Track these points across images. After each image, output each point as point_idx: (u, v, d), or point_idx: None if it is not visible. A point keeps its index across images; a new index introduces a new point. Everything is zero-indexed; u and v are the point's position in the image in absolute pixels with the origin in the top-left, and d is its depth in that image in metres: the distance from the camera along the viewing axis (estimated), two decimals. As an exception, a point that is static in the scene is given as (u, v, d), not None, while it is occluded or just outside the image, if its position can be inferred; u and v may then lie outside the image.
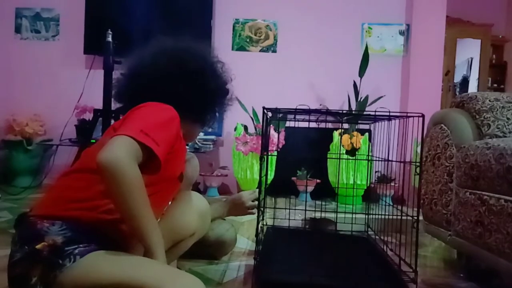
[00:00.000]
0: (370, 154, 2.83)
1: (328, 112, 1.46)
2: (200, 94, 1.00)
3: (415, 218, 1.17)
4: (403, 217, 1.31)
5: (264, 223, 1.83)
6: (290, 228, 1.85)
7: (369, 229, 1.82)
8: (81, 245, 0.75)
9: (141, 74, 0.96)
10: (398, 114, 1.30)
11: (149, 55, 0.98)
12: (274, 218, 1.80)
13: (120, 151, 0.72)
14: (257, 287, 1.19)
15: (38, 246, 0.73)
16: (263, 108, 1.34)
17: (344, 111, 1.40)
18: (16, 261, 0.75)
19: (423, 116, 1.17)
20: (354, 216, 1.81)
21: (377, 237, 1.70)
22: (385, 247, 1.51)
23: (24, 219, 0.80)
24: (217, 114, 1.11)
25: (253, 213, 1.39)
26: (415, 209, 1.22)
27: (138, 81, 0.95)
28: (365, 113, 1.42)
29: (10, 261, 0.77)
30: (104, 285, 0.72)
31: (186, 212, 0.99)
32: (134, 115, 0.82)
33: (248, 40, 3.34)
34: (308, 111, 1.39)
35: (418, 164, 1.19)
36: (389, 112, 1.31)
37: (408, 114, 1.31)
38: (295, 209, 1.87)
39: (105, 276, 0.73)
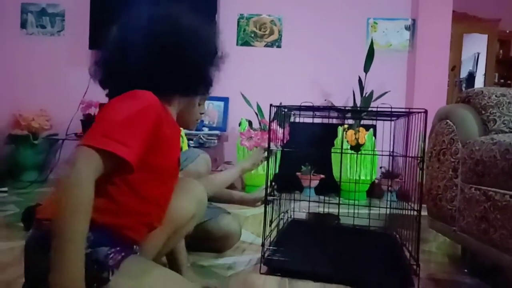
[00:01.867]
0: (374, 149, 2.82)
1: (331, 108, 1.46)
2: (180, 66, 0.88)
3: (417, 212, 1.17)
4: (407, 212, 1.31)
5: (290, 216, 1.86)
6: (303, 220, 1.89)
7: (378, 224, 1.82)
8: (108, 251, 0.75)
9: (114, 53, 0.88)
10: (400, 110, 1.30)
11: (121, 31, 0.90)
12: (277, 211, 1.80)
13: (75, 171, 0.67)
14: (265, 273, 1.25)
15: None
16: (270, 105, 1.34)
17: (346, 108, 1.40)
18: (38, 271, 0.73)
19: (426, 111, 1.17)
20: (357, 210, 1.82)
21: (386, 232, 1.71)
22: (391, 241, 1.52)
23: (36, 225, 0.79)
24: (210, 78, 0.97)
25: (258, 206, 1.41)
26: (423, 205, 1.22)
27: (112, 62, 0.88)
28: (368, 109, 1.42)
29: (32, 269, 0.77)
30: None
31: (183, 197, 0.99)
32: (100, 115, 0.77)
33: (252, 35, 3.34)
34: (312, 109, 1.39)
35: (422, 158, 1.19)
36: (391, 108, 1.30)
37: (411, 110, 1.31)
38: (309, 201, 1.88)
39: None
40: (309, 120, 1.77)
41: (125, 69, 0.85)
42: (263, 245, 1.28)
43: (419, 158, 1.21)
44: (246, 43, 3.35)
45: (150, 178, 0.83)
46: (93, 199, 0.69)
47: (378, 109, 1.32)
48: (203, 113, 1.40)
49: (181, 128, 1.66)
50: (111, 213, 0.77)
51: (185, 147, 1.71)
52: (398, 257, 1.38)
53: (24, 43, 3.31)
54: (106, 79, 0.89)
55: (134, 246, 0.85)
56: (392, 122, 1.79)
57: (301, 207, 1.97)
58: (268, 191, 1.40)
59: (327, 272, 1.22)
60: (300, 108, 1.38)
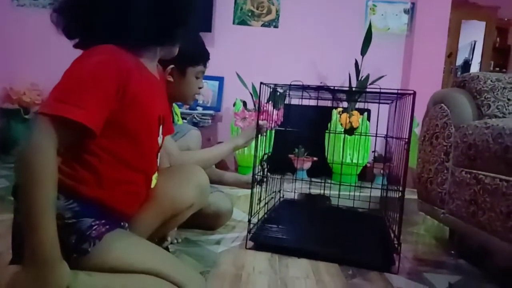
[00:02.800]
0: (367, 132, 2.83)
1: (320, 88, 1.45)
2: (143, 7, 0.76)
3: (401, 192, 1.19)
4: (394, 194, 1.32)
5: (281, 196, 1.88)
6: (294, 201, 1.90)
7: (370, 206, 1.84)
8: (92, 223, 0.74)
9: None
10: (388, 91, 1.30)
11: None
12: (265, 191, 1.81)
13: (31, 141, 0.65)
14: (251, 248, 1.28)
15: None
16: (261, 83, 1.33)
17: (336, 88, 1.39)
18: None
19: (414, 93, 1.16)
20: (349, 192, 1.83)
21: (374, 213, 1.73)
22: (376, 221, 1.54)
23: None
24: (184, 20, 0.83)
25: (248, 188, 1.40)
26: (413, 190, 1.23)
27: (72, 6, 0.78)
28: (357, 90, 1.41)
29: (18, 233, 0.76)
30: (120, 270, 0.73)
31: (184, 183, 0.97)
32: (61, 79, 0.72)
33: (249, 14, 3.28)
34: (302, 87, 1.38)
35: (413, 141, 1.19)
36: (380, 89, 1.30)
37: (399, 92, 1.31)
38: (301, 180, 1.89)
39: (126, 265, 0.73)
40: (304, 103, 1.76)
41: (86, 14, 0.76)
42: (249, 221, 1.29)
43: (405, 140, 1.21)
44: (243, 22, 3.30)
45: (126, 141, 0.78)
46: (55, 167, 0.66)
47: (367, 90, 1.31)
48: (201, 87, 1.38)
49: (176, 104, 1.64)
50: (95, 184, 0.76)
51: (180, 121, 1.69)
52: (384, 237, 1.41)
53: (15, 15, 3.23)
54: (70, 27, 0.79)
55: (122, 223, 0.84)
56: (386, 106, 1.79)
57: (292, 188, 1.98)
58: (258, 171, 1.40)
59: (312, 249, 1.24)
60: (290, 87, 1.38)
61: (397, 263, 1.17)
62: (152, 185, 0.91)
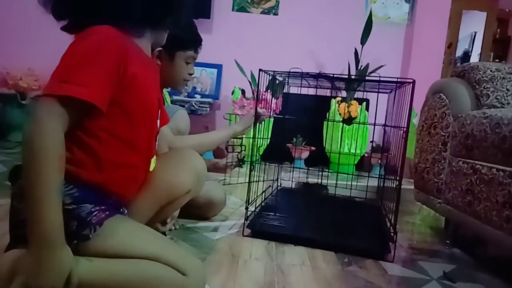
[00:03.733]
0: (366, 122, 2.83)
1: (319, 76, 1.44)
2: None
3: (398, 181, 1.19)
4: (392, 184, 1.33)
5: (279, 184, 1.88)
6: (292, 189, 1.91)
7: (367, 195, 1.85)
8: (92, 208, 0.73)
9: None
10: (387, 79, 1.29)
11: None
12: (264, 180, 1.81)
13: (36, 122, 0.64)
14: (248, 235, 1.27)
15: None
16: (260, 70, 1.32)
17: (335, 75, 1.38)
18: (25, 220, 0.70)
19: (413, 82, 1.16)
20: (346, 182, 1.84)
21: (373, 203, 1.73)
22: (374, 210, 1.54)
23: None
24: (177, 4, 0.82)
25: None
26: (410, 180, 1.24)
27: None
28: (355, 78, 1.40)
29: (16, 218, 0.75)
30: (120, 255, 0.73)
31: (180, 169, 0.96)
32: (61, 59, 0.71)
33: (249, 1, 3.25)
34: (301, 75, 1.37)
35: (411, 132, 1.19)
36: (380, 77, 1.29)
37: (399, 80, 1.30)
38: (299, 169, 1.89)
39: (126, 250, 0.73)
40: (303, 92, 1.75)
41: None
42: (246, 209, 1.30)
43: (403, 129, 1.21)
44: (242, 9, 3.26)
45: (126, 121, 0.77)
46: (63, 149, 0.66)
47: (366, 79, 1.30)
48: (191, 74, 1.35)
49: (167, 90, 1.63)
50: (95, 168, 0.75)
51: (168, 102, 1.68)
52: (380, 226, 1.42)
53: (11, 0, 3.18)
54: (59, 7, 0.77)
55: (121, 209, 0.84)
56: (385, 96, 1.78)
57: (290, 177, 1.98)
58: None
59: (309, 237, 1.25)
60: (289, 74, 1.37)
61: (393, 252, 1.18)
62: (151, 168, 0.91)
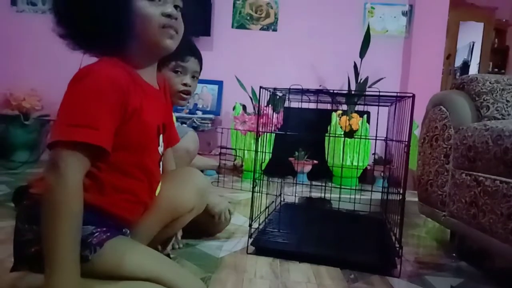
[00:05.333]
0: (367, 135, 2.83)
1: (320, 92, 1.45)
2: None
3: (402, 195, 1.18)
4: (394, 196, 1.32)
5: (282, 199, 1.88)
6: (295, 204, 1.90)
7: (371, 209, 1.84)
8: (93, 230, 0.74)
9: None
10: (387, 94, 1.30)
11: None
12: (266, 194, 1.81)
13: (61, 178, 0.65)
14: (252, 253, 1.27)
15: None
16: (260, 87, 1.33)
17: (336, 91, 1.39)
18: (29, 241, 0.73)
19: (413, 96, 1.17)
20: (350, 195, 1.83)
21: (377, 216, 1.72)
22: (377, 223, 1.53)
23: (28, 197, 0.78)
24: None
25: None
26: (414, 192, 1.23)
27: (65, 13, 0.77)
28: (356, 93, 1.41)
29: (20, 239, 0.76)
30: (121, 277, 0.73)
31: (184, 188, 0.97)
32: (61, 105, 0.71)
33: (248, 18, 3.29)
34: (301, 91, 1.38)
35: (413, 143, 1.19)
36: (379, 92, 1.30)
37: (398, 94, 1.31)
38: (302, 184, 1.89)
39: (127, 272, 0.73)
40: (304, 106, 1.76)
41: (80, 28, 0.76)
42: (250, 226, 1.29)
43: (405, 142, 1.22)
44: (241, 26, 3.31)
45: (127, 153, 0.78)
46: (82, 201, 0.67)
47: (367, 93, 1.31)
48: (185, 84, 1.29)
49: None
50: (96, 191, 0.76)
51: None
52: (385, 240, 1.41)
53: (15, 21, 3.24)
54: (69, 41, 0.79)
55: (124, 229, 0.84)
56: (386, 109, 1.79)
57: (293, 192, 1.98)
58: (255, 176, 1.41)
59: (313, 253, 1.24)
60: (290, 91, 1.38)
61: (399, 266, 1.17)
62: (156, 193, 0.91)
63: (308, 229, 1.53)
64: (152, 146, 0.86)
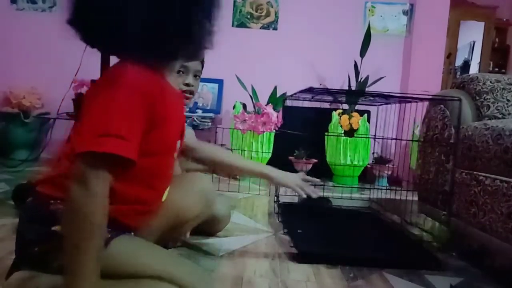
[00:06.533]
0: (367, 134, 2.83)
1: (339, 92, 1.45)
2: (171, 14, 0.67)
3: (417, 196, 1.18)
4: (401, 195, 1.33)
5: (275, 200, 1.87)
6: (296, 204, 1.90)
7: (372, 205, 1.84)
8: None
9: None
10: (427, 95, 1.28)
11: None
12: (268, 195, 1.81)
13: (86, 190, 0.62)
14: (295, 259, 1.23)
15: (55, 228, 0.71)
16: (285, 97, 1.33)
17: (347, 90, 1.39)
18: (32, 241, 0.72)
19: (460, 100, 1.15)
20: (350, 194, 1.83)
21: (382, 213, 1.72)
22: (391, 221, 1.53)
23: (33, 195, 0.76)
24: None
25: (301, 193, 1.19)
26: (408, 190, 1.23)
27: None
28: (373, 92, 1.40)
29: (22, 238, 0.75)
30: (128, 275, 0.72)
31: (189, 193, 0.96)
32: (87, 111, 0.67)
33: (248, 16, 3.29)
34: (312, 92, 1.37)
35: (414, 141, 1.19)
36: (418, 93, 1.29)
37: (442, 97, 1.29)
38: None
39: (133, 270, 0.72)
40: (304, 105, 1.76)
41: (109, 28, 0.68)
42: (284, 232, 1.25)
43: (410, 141, 1.22)
44: (242, 25, 3.30)
45: (145, 161, 0.74)
46: (107, 214, 0.65)
47: (386, 94, 1.30)
48: (188, 84, 1.27)
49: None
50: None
51: None
52: (406, 237, 1.41)
53: (14, 19, 3.23)
54: (91, 39, 0.73)
55: (127, 232, 0.83)
56: (385, 107, 1.79)
57: (289, 191, 1.97)
58: None
59: (345, 254, 1.24)
60: (301, 92, 1.37)
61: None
62: (163, 199, 0.90)
63: (326, 230, 1.52)
64: (171, 153, 0.85)
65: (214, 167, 1.20)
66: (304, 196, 1.15)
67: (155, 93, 0.71)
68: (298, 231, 1.34)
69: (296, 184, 1.15)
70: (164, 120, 0.74)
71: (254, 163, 1.18)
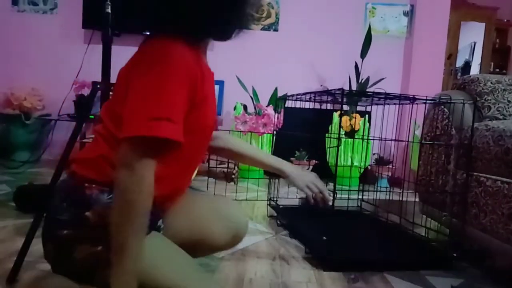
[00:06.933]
0: (368, 135, 2.83)
1: (349, 93, 1.44)
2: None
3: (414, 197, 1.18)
4: (401, 196, 1.32)
5: (268, 204, 1.86)
6: (298, 205, 1.89)
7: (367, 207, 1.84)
8: None
9: None
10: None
11: None
12: (267, 197, 1.81)
13: (137, 177, 0.62)
14: (328, 266, 1.21)
15: (87, 214, 0.70)
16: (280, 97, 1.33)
17: (355, 91, 1.39)
18: (64, 221, 0.71)
19: (475, 102, 1.16)
20: (350, 195, 1.83)
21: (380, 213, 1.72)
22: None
23: (68, 173, 0.75)
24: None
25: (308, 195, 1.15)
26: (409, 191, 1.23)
27: None
28: (388, 93, 1.38)
29: (53, 216, 0.72)
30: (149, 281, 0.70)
31: (220, 224, 0.88)
32: (135, 92, 0.66)
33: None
34: (314, 94, 1.37)
35: (415, 142, 1.19)
36: (437, 98, 1.30)
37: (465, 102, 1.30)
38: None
39: (153, 273, 0.70)
40: (304, 106, 1.76)
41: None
42: (325, 239, 1.22)
43: (410, 142, 1.21)
44: (242, 26, 3.30)
45: (187, 143, 0.71)
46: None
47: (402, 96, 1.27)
48: None
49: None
50: None
51: None
52: (409, 238, 1.42)
53: (16, 21, 3.24)
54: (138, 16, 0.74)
55: (159, 221, 0.81)
56: (386, 108, 1.79)
57: (294, 192, 1.97)
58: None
59: (385, 259, 1.25)
60: (298, 96, 1.37)
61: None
62: (193, 177, 0.88)
63: (309, 230, 1.53)
64: (209, 133, 0.83)
65: (233, 157, 1.14)
66: (312, 201, 1.13)
67: (198, 73, 0.70)
68: (324, 238, 1.29)
69: (305, 185, 1.12)
70: (204, 100, 0.74)
71: (272, 158, 1.13)
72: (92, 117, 2.63)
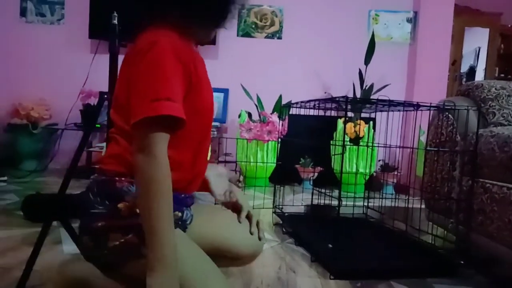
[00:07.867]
0: (373, 142, 2.83)
1: (353, 101, 1.45)
2: None
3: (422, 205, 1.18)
4: (407, 203, 1.32)
5: (274, 211, 1.86)
6: (303, 213, 1.89)
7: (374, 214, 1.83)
8: None
9: None
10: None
11: None
12: (273, 205, 1.81)
13: (154, 160, 0.66)
14: (334, 273, 1.20)
15: (120, 205, 0.73)
16: (282, 105, 1.34)
17: (359, 99, 1.39)
18: (99, 214, 0.74)
19: (479, 109, 1.17)
20: (355, 202, 1.82)
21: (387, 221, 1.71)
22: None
23: (97, 172, 0.78)
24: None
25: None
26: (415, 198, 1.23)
27: None
28: (396, 101, 1.38)
29: (89, 209, 0.75)
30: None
31: (244, 236, 0.89)
32: (134, 83, 0.71)
33: (253, 26, 3.32)
34: (318, 102, 1.38)
35: (421, 149, 1.19)
36: (453, 106, 1.29)
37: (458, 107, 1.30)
38: (312, 188, 1.88)
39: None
40: (309, 113, 1.77)
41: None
42: (330, 247, 1.23)
43: (416, 149, 1.21)
44: (246, 34, 3.33)
45: (191, 124, 0.75)
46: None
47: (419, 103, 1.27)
48: None
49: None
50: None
51: None
52: (421, 246, 1.42)
53: (24, 32, 3.29)
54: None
55: (185, 213, 0.82)
56: (390, 114, 1.79)
57: (300, 199, 1.97)
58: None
59: (374, 266, 1.25)
60: (304, 103, 1.38)
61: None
62: (208, 157, 0.90)
63: (346, 241, 1.52)
64: (210, 113, 0.86)
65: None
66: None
67: (189, 57, 0.74)
68: (329, 245, 1.29)
69: (219, 194, 1.01)
70: (200, 82, 0.78)
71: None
72: (99, 126, 2.66)
